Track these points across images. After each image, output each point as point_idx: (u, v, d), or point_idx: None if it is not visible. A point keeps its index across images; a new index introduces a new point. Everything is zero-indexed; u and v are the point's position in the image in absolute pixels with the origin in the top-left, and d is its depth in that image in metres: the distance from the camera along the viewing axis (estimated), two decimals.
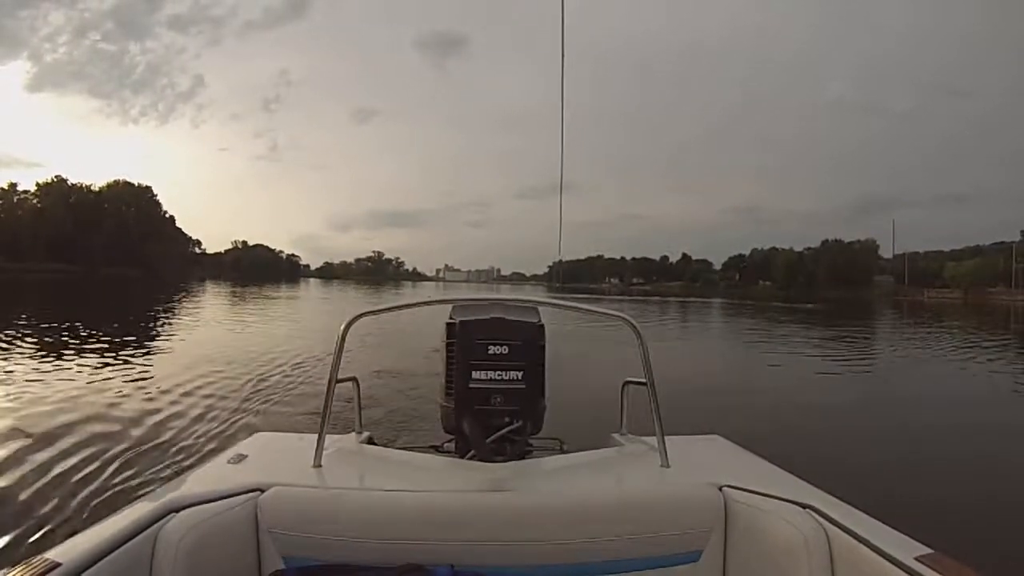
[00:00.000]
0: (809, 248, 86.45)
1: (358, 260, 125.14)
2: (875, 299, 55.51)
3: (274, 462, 1.32)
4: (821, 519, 1.01)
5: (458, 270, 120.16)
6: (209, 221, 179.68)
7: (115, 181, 77.57)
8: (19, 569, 0.77)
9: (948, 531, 1.36)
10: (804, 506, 1.04)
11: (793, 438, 4.03)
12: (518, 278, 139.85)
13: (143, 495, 1.09)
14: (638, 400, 1.53)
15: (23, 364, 6.56)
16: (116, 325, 11.24)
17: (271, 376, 6.15)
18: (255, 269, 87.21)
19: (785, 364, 9.85)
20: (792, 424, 4.77)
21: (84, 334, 9.23)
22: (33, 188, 71.75)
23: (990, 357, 11.49)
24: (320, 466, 1.27)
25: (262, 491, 1.09)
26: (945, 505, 2.80)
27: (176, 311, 17.51)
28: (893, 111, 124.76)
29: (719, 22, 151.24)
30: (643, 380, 1.39)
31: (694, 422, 3.95)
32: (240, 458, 1.31)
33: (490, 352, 1.62)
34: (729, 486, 1.14)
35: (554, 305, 1.91)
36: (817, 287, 69.69)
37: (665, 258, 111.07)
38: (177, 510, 1.00)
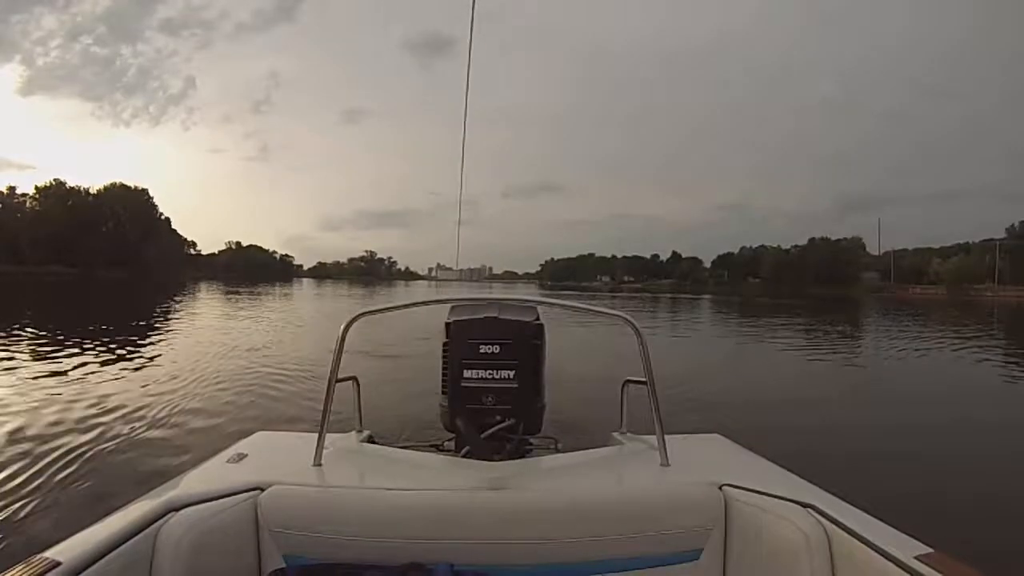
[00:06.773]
0: (797, 246, 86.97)
1: (351, 260, 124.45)
2: (860, 295, 55.87)
3: (274, 461, 1.31)
4: (821, 518, 1.01)
5: (450, 269, 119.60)
6: (201, 222, 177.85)
7: (112, 184, 76.78)
8: (19, 568, 0.77)
9: (948, 531, 1.37)
10: (804, 505, 1.05)
11: (792, 436, 4.01)
12: (510, 276, 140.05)
13: (143, 494, 1.07)
14: (638, 399, 1.53)
15: (22, 364, 6.44)
16: (117, 325, 11.12)
17: (274, 372, 6.10)
18: (249, 270, 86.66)
19: (777, 359, 9.87)
20: (790, 422, 4.74)
21: (85, 333, 9.07)
22: (31, 191, 71.28)
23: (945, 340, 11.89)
24: (320, 465, 1.27)
25: (262, 490, 1.09)
26: (945, 505, 2.80)
27: (178, 311, 17.31)
28: (882, 111, 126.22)
29: (710, 24, 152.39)
30: (643, 379, 1.39)
31: (688, 416, 3.98)
32: (240, 457, 1.30)
33: (481, 351, 1.63)
34: (729, 485, 1.14)
35: (554, 304, 1.89)
36: (804, 284, 70.14)
37: (655, 256, 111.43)
38: (177, 509, 0.99)
